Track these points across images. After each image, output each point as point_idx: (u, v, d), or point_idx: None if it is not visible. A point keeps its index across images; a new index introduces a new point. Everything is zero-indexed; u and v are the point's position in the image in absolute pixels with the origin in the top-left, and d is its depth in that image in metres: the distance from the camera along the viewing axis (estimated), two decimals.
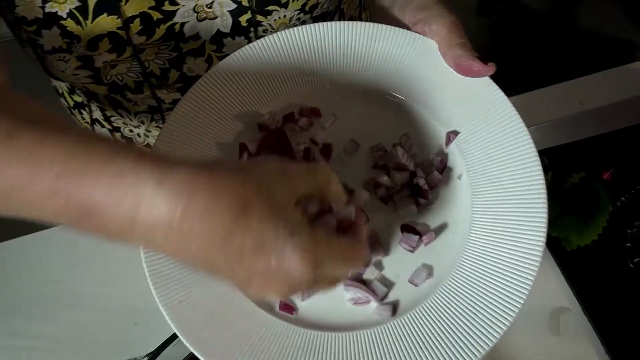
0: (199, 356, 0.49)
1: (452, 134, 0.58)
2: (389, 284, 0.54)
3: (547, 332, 0.66)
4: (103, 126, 0.79)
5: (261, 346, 0.50)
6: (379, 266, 0.55)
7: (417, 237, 0.55)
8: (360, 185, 0.58)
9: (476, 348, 0.49)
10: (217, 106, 0.58)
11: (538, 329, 0.65)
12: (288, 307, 0.53)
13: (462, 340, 0.49)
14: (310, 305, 0.54)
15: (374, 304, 0.53)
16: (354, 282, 0.53)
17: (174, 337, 0.61)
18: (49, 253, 0.76)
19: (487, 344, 0.49)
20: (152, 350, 0.59)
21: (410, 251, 0.55)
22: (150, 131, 0.78)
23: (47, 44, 0.57)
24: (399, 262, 0.55)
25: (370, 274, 0.54)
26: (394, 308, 0.53)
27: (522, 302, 0.50)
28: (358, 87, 0.60)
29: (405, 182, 0.57)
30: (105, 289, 0.73)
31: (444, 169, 0.58)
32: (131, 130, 0.78)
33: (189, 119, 0.56)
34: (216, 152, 0.57)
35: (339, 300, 0.54)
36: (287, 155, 0.58)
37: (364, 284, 0.54)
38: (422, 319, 0.51)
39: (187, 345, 0.49)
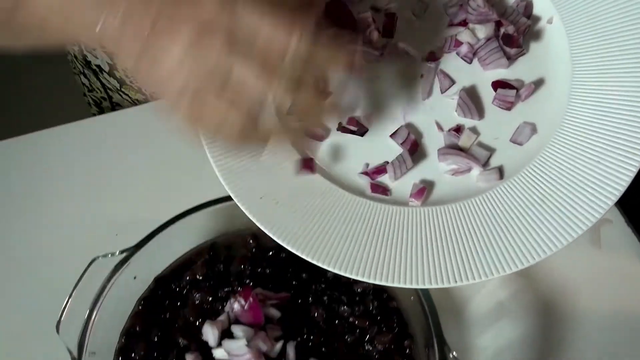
0: (294, 250, 0.44)
1: None
2: (489, 149, 0.48)
3: (588, 244, 0.61)
4: None
5: (359, 232, 0.45)
6: (474, 131, 0.49)
7: (514, 91, 0.48)
8: (437, 50, 0.51)
9: (595, 207, 0.43)
10: None
11: (579, 244, 0.60)
12: (381, 189, 0.47)
13: (579, 198, 0.43)
14: (403, 185, 0.48)
15: (476, 171, 0.47)
16: (450, 149, 0.48)
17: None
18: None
19: (616, 190, 0.43)
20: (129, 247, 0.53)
21: (507, 109, 0.48)
22: None
23: None
24: (495, 124, 0.49)
25: (466, 140, 0.48)
26: (500, 172, 0.47)
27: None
28: None
29: (490, 35, 0.50)
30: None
31: (530, 15, 0.51)
32: None
33: None
34: None
35: (435, 174, 0.48)
36: (349, 27, 0.51)
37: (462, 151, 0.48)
38: (533, 180, 0.45)
39: (280, 241, 0.45)
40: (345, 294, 0.54)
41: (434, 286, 0.43)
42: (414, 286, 0.43)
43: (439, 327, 0.48)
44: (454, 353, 0.46)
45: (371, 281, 0.43)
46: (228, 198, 0.47)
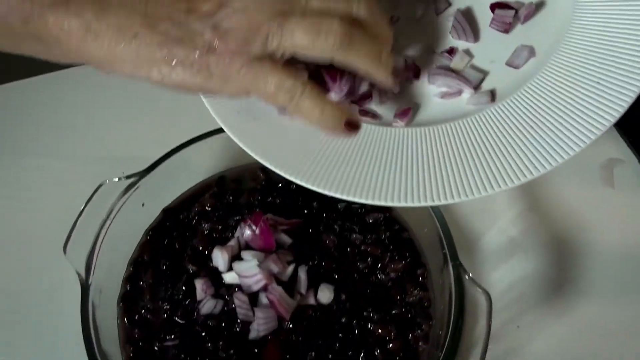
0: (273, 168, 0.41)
1: None
2: (482, 71, 0.47)
3: (600, 185, 0.60)
4: None
5: (345, 154, 0.44)
6: (468, 53, 0.47)
7: (512, 11, 0.47)
8: None
9: (591, 128, 0.41)
10: None
11: (591, 182, 0.60)
12: (370, 114, 0.46)
13: (570, 124, 0.41)
14: (392, 109, 0.46)
15: (467, 94, 0.46)
16: (441, 69, 0.46)
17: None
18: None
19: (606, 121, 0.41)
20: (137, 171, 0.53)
21: (505, 31, 0.47)
22: None
23: None
24: (491, 47, 0.46)
25: (459, 62, 0.46)
26: (492, 94, 0.45)
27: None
28: None
29: None
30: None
31: None
32: None
33: None
34: None
35: (424, 96, 0.46)
36: None
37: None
38: (526, 103, 0.43)
39: (257, 157, 0.42)
40: (356, 224, 0.53)
41: (422, 204, 0.40)
42: (403, 204, 0.40)
43: (454, 248, 0.47)
44: (470, 274, 0.46)
45: (356, 200, 0.40)
46: None
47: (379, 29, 0.41)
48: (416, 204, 0.40)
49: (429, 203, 0.40)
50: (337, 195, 0.40)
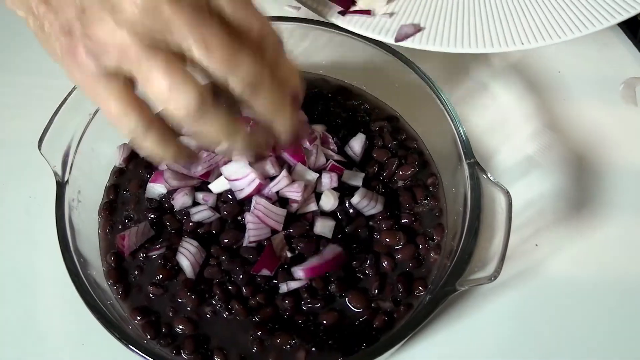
0: None
1: None
2: None
3: (622, 103, 0.57)
4: None
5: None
6: None
7: None
8: None
9: None
10: None
11: (613, 101, 0.56)
12: None
13: None
14: None
15: None
16: None
17: None
18: None
19: None
20: None
21: None
22: None
23: None
24: None
25: None
26: None
27: None
28: None
29: None
30: None
31: None
32: None
33: None
34: None
35: None
36: None
37: None
38: None
39: None
40: (361, 131, 0.49)
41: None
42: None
43: (469, 147, 0.43)
44: (488, 174, 0.41)
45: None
46: None
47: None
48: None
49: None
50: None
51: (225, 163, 0.43)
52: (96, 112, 0.45)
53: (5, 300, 0.46)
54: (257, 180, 0.42)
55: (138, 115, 0.32)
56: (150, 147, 0.33)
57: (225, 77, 0.30)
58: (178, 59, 0.30)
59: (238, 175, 0.43)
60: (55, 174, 0.42)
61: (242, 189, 0.43)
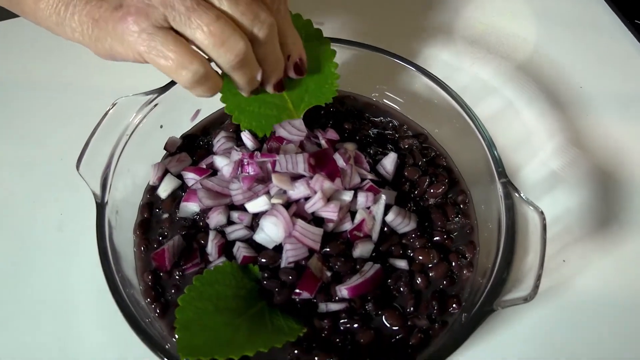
0: None
1: None
2: None
3: None
4: None
5: None
6: None
7: None
8: None
9: None
10: None
11: (636, 117, 0.58)
12: None
13: None
14: None
15: None
16: None
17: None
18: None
19: None
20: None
21: None
22: None
23: None
24: None
25: None
26: None
27: None
28: None
29: None
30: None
31: None
32: None
33: None
34: None
35: None
36: None
37: None
38: None
39: None
40: (390, 150, 0.49)
41: None
42: None
43: (502, 166, 0.43)
44: (521, 193, 0.42)
45: None
46: None
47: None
48: None
49: None
50: None
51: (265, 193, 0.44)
52: (133, 132, 0.46)
53: (40, 315, 0.46)
54: (307, 192, 0.43)
55: (200, 60, 0.35)
56: (205, 90, 0.37)
57: (250, 24, 0.36)
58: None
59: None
60: (95, 195, 0.42)
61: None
